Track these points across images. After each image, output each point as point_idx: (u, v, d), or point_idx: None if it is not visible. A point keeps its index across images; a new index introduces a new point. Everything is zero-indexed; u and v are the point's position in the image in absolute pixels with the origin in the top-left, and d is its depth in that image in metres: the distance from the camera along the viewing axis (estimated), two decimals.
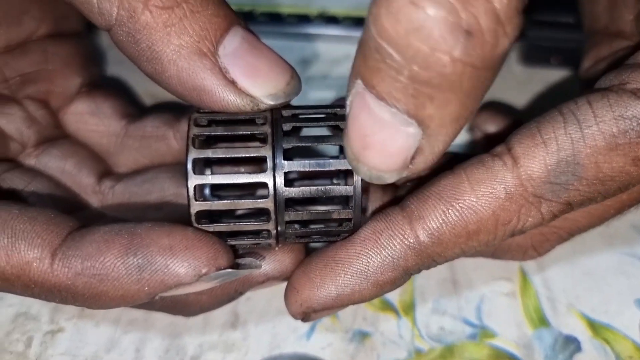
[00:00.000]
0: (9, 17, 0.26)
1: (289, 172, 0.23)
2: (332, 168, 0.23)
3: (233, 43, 0.22)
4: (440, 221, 0.22)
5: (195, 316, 0.28)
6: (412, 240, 0.22)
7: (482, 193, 0.21)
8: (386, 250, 0.22)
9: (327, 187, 0.23)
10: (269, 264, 0.25)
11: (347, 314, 0.28)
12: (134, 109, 0.31)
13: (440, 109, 0.18)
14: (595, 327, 0.28)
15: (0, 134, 0.26)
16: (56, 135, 0.29)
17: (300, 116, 0.24)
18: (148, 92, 0.37)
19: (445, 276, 0.29)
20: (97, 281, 0.22)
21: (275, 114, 0.23)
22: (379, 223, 0.23)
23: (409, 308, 0.28)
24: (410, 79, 0.17)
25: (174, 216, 0.27)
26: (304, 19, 0.41)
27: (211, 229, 0.23)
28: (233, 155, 0.23)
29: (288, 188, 0.23)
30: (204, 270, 0.22)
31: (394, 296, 0.29)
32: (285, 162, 0.23)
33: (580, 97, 0.22)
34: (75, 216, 0.25)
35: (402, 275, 0.23)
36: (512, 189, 0.21)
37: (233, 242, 0.24)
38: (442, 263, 0.23)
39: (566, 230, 0.26)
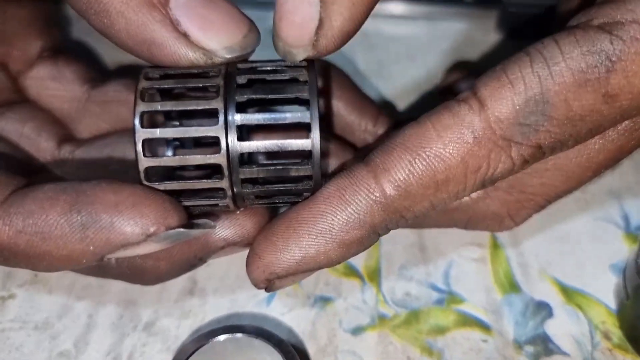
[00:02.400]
0: None
1: (242, 125, 0.21)
2: (289, 121, 0.22)
3: None
4: (407, 172, 0.21)
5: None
6: (378, 194, 0.21)
7: (449, 139, 0.20)
8: (351, 206, 0.21)
9: (283, 141, 0.22)
10: (229, 229, 0.24)
11: (310, 279, 0.27)
12: (97, 74, 0.30)
13: None
14: (567, 292, 0.27)
15: None
16: (15, 99, 0.28)
17: (258, 69, 0.23)
18: (115, 60, 0.36)
19: (413, 241, 0.28)
20: (40, 239, 0.21)
21: (230, 68, 0.22)
22: (342, 179, 0.22)
23: (374, 274, 0.27)
24: None
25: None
26: None
27: (161, 188, 0.22)
28: (182, 108, 0.21)
29: (241, 142, 0.21)
30: (152, 229, 0.21)
31: (358, 262, 0.28)
32: (238, 115, 0.21)
33: (547, 37, 0.21)
34: (32, 180, 0.24)
35: (370, 233, 0.21)
36: (480, 133, 0.20)
37: (187, 204, 0.23)
38: (410, 219, 0.22)
39: (543, 196, 0.24)
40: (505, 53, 0.37)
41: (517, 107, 0.20)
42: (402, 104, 0.35)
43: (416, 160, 0.21)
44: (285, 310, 0.26)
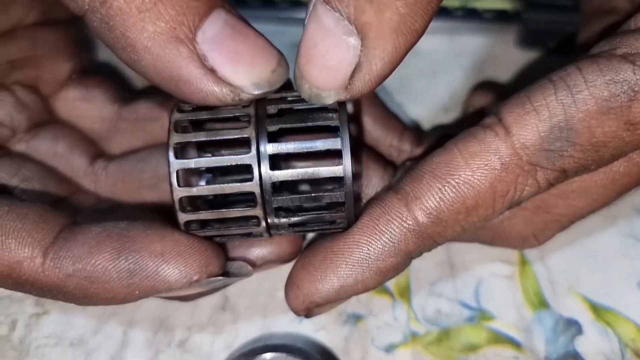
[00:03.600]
0: None
1: (275, 154, 0.22)
2: (320, 148, 0.22)
3: (213, 28, 0.20)
4: (438, 199, 0.21)
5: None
6: (410, 222, 0.22)
7: (477, 166, 0.21)
8: (385, 235, 0.22)
9: (314, 169, 0.22)
10: (265, 247, 0.25)
11: None
12: (126, 92, 0.31)
13: (378, 15, 0.18)
14: (597, 309, 0.27)
15: None
16: (46, 119, 0.28)
17: (288, 98, 0.22)
18: (140, 76, 0.36)
19: (442, 259, 0.29)
20: (88, 283, 0.21)
21: (259, 114, 0.22)
22: (374, 209, 0.22)
23: (405, 291, 0.28)
24: None
25: (168, 196, 0.26)
26: (296, 4, 0.40)
27: (199, 217, 0.22)
28: (215, 138, 0.22)
29: (274, 171, 0.22)
30: (195, 278, 0.22)
31: None
32: (270, 144, 0.21)
33: (569, 65, 0.21)
34: (68, 201, 0.25)
35: (404, 259, 0.22)
36: (507, 159, 0.21)
37: (223, 233, 0.23)
38: (442, 243, 0.22)
39: (568, 217, 0.25)
40: (525, 68, 0.37)
41: (542, 134, 0.20)
42: (425, 120, 0.35)
43: (446, 187, 0.21)
44: (318, 328, 0.26)
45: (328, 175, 0.22)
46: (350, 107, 0.28)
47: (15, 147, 0.27)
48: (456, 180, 0.21)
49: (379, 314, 0.27)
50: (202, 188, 0.22)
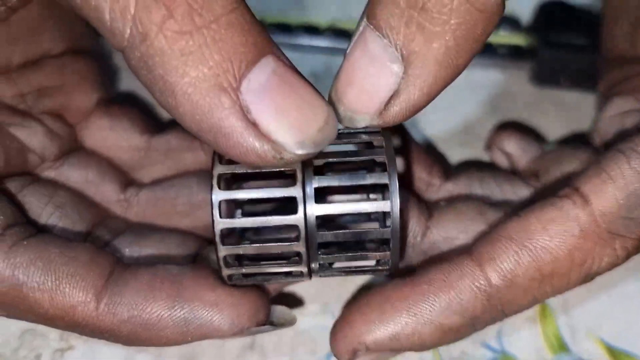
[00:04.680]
0: (27, 35, 0.25)
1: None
2: (368, 182, 0.22)
3: (260, 77, 0.19)
4: (514, 262, 0.21)
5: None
6: (483, 282, 0.21)
7: (555, 232, 0.21)
8: (455, 290, 0.22)
9: (360, 203, 0.22)
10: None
11: None
12: (154, 123, 0.31)
13: (426, 45, 0.19)
14: (615, 353, 0.28)
15: (21, 148, 0.25)
16: (75, 149, 0.28)
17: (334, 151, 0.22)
18: None
19: None
20: (143, 329, 0.22)
21: None
22: (445, 265, 0.22)
23: None
24: (406, 3, 0.19)
25: (201, 223, 0.27)
26: (313, 31, 0.40)
27: (246, 272, 0.22)
28: (260, 196, 0.22)
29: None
30: (246, 326, 0.22)
31: None
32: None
33: (635, 135, 0.22)
34: (101, 227, 0.25)
35: (468, 323, 0.22)
36: (587, 226, 0.21)
37: (262, 271, 0.23)
38: (510, 315, 0.22)
39: None
40: (540, 105, 0.38)
41: (621, 202, 0.21)
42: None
43: (522, 251, 0.21)
44: None
45: (374, 210, 0.22)
46: (396, 141, 0.28)
47: (44, 174, 0.27)
48: (534, 244, 0.21)
49: (406, 354, 0.27)
50: (249, 247, 0.22)
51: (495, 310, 0.22)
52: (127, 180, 0.28)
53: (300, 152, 0.19)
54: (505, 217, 0.23)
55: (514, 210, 0.24)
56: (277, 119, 0.19)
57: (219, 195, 0.21)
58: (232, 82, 0.18)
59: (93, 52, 0.29)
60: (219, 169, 0.22)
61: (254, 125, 0.19)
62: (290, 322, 0.24)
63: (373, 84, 0.20)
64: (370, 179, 0.21)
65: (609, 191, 0.21)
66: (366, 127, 0.21)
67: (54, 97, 0.27)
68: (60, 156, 0.27)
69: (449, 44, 0.19)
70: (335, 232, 0.22)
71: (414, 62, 0.19)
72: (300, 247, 0.22)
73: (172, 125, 0.29)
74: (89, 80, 0.29)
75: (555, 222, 0.21)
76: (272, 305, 0.24)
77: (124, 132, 0.29)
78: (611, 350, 0.28)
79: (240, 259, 0.23)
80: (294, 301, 0.29)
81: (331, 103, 0.21)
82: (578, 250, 0.21)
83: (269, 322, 0.24)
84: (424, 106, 0.21)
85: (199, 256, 0.26)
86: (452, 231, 0.25)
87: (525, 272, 0.21)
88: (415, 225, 0.26)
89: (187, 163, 0.29)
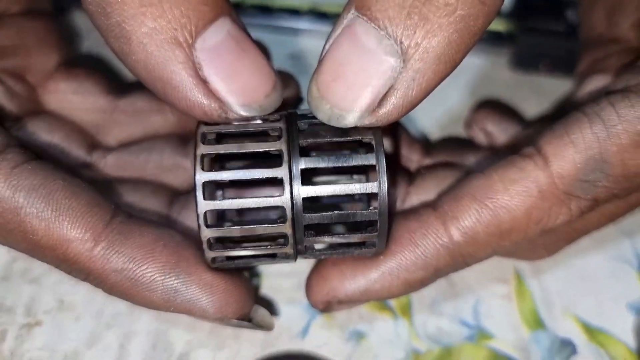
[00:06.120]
0: None
1: (306, 169, 0.21)
2: (355, 163, 0.21)
3: (215, 37, 0.19)
4: (474, 220, 0.22)
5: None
6: (445, 240, 0.22)
7: (515, 192, 0.22)
8: (419, 249, 0.22)
9: (348, 185, 0.21)
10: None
11: (342, 311, 0.27)
12: (119, 84, 0.30)
13: (427, 39, 0.18)
14: (590, 330, 0.28)
15: None
16: (38, 110, 0.27)
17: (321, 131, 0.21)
18: None
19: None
20: (131, 284, 0.21)
21: (289, 126, 0.21)
22: (412, 223, 0.23)
23: (406, 308, 0.28)
24: None
25: (171, 186, 0.26)
26: (294, 13, 0.40)
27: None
28: (245, 177, 0.21)
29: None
30: (229, 316, 0.22)
31: None
32: (303, 158, 0.21)
33: (601, 99, 0.22)
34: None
35: (432, 275, 0.23)
36: (545, 187, 0.21)
37: (248, 253, 0.22)
38: (471, 264, 0.23)
39: (578, 230, 0.25)
40: (518, 90, 0.38)
41: (579, 165, 0.21)
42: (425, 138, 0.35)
43: (484, 210, 0.22)
44: (321, 343, 0.26)
45: (362, 192, 0.21)
46: None
47: None
48: (494, 203, 0.22)
49: (381, 331, 0.27)
50: (233, 229, 0.21)
51: (457, 262, 0.23)
52: (93, 143, 0.27)
53: (245, 114, 0.20)
54: (471, 173, 0.23)
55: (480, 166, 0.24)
56: (227, 80, 0.19)
57: (203, 176, 0.21)
58: (188, 38, 0.19)
59: (50, 14, 0.29)
60: (202, 149, 0.21)
61: (204, 82, 0.19)
62: (267, 327, 0.24)
63: (365, 78, 0.18)
64: (357, 160, 0.21)
65: (568, 154, 0.21)
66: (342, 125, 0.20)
67: (12, 57, 0.27)
68: (21, 117, 0.26)
69: (452, 37, 0.18)
70: (322, 214, 0.21)
71: (414, 55, 0.18)
72: (287, 228, 0.21)
73: (139, 87, 0.29)
74: (49, 41, 0.28)
75: (516, 182, 0.22)
76: (256, 305, 0.24)
77: (88, 94, 0.28)
78: (587, 328, 0.28)
79: (224, 242, 0.22)
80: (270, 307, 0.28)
81: (311, 100, 0.19)
82: (535, 210, 0.22)
83: (248, 319, 0.23)
84: (418, 103, 0.20)
85: (168, 217, 0.25)
86: (432, 196, 0.25)
87: (486, 229, 0.22)
88: (395, 190, 0.26)
89: (156, 126, 0.28)
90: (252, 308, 0.23)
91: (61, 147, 0.26)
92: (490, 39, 0.39)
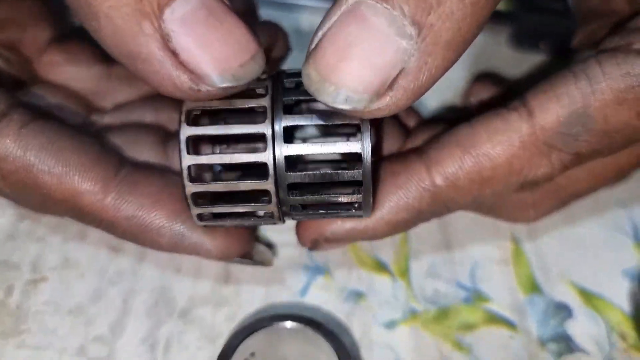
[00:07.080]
0: None
1: (289, 127, 0.21)
2: (337, 122, 0.21)
3: (185, 6, 0.18)
4: (457, 166, 0.23)
5: (186, 269, 0.27)
6: (428, 183, 0.23)
7: (497, 141, 0.22)
8: (402, 191, 0.23)
9: (331, 144, 0.21)
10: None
11: (341, 273, 0.28)
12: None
13: (442, 20, 0.17)
14: (586, 295, 0.28)
15: None
16: (33, 79, 0.28)
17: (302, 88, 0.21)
18: None
19: (439, 240, 0.29)
20: (140, 230, 0.23)
21: (276, 85, 0.22)
22: (396, 165, 0.24)
23: (404, 270, 0.28)
24: None
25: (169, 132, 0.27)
26: None
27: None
28: (230, 132, 0.21)
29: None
30: (232, 256, 0.24)
31: (388, 258, 0.29)
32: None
33: (589, 58, 0.22)
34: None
35: (415, 217, 0.24)
36: (526, 138, 0.22)
37: (230, 210, 0.22)
38: (452, 210, 0.24)
39: (567, 190, 0.26)
40: (517, 67, 0.38)
41: (561, 119, 0.22)
42: (424, 111, 0.36)
43: (466, 156, 0.23)
44: (320, 303, 0.27)
45: (345, 151, 0.21)
46: None
47: None
48: (477, 151, 0.22)
49: (379, 291, 0.27)
50: (216, 185, 0.22)
51: (439, 206, 0.24)
52: (91, 108, 0.28)
53: (220, 85, 0.19)
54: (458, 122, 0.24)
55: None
56: (197, 50, 0.18)
57: (187, 130, 0.21)
58: (155, 9, 0.18)
59: None
60: (188, 105, 0.21)
61: (173, 54, 0.18)
62: (267, 262, 0.26)
63: (378, 57, 0.17)
64: (341, 119, 0.21)
65: (552, 108, 0.22)
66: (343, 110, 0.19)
67: (7, 30, 0.27)
68: (16, 85, 0.27)
69: (460, 24, 0.17)
70: (305, 173, 0.21)
71: (427, 37, 0.17)
72: (269, 185, 0.21)
73: None
74: (42, 15, 0.28)
75: (499, 132, 0.22)
76: (256, 242, 0.26)
77: (82, 64, 0.29)
78: (582, 293, 0.28)
79: (211, 199, 0.23)
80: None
81: (311, 84, 0.18)
82: (516, 159, 0.22)
83: (249, 257, 0.25)
84: (426, 91, 0.19)
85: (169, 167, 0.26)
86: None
87: (467, 176, 0.23)
88: (391, 143, 0.26)
89: (150, 89, 0.28)
90: (253, 247, 0.25)
91: (58, 109, 0.27)
92: (490, 17, 0.40)
